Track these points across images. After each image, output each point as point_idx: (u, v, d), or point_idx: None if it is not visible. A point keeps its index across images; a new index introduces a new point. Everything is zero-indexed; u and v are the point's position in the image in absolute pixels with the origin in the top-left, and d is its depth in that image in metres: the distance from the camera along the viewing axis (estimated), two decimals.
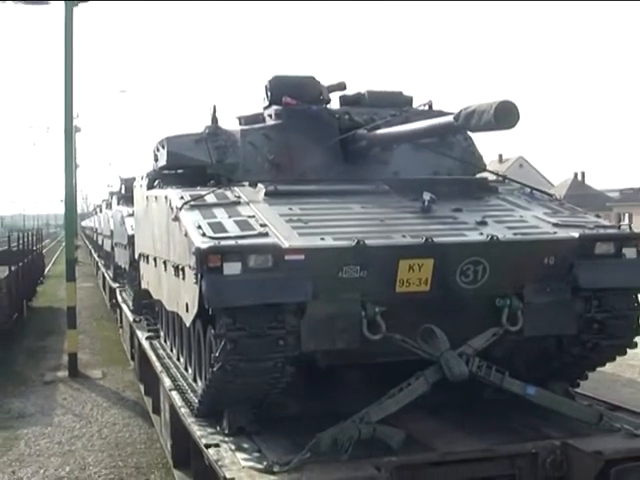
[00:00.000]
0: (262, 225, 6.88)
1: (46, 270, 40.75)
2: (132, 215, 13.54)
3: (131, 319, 13.94)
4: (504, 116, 6.27)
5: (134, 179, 11.71)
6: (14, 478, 9.61)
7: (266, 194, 7.69)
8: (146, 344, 11.40)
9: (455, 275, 6.81)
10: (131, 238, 13.55)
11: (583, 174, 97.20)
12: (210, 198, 7.66)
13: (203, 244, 6.46)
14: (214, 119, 9.13)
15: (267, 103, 9.28)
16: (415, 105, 9.40)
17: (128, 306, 15.49)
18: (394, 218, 7.22)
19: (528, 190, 8.61)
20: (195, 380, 8.38)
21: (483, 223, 7.18)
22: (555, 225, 7.28)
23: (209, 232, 6.70)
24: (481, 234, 6.94)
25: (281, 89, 9.12)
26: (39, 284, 33.60)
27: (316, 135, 8.73)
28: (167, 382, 9.00)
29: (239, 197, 7.68)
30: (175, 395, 8.40)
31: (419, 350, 6.81)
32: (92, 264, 41.38)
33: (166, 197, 8.16)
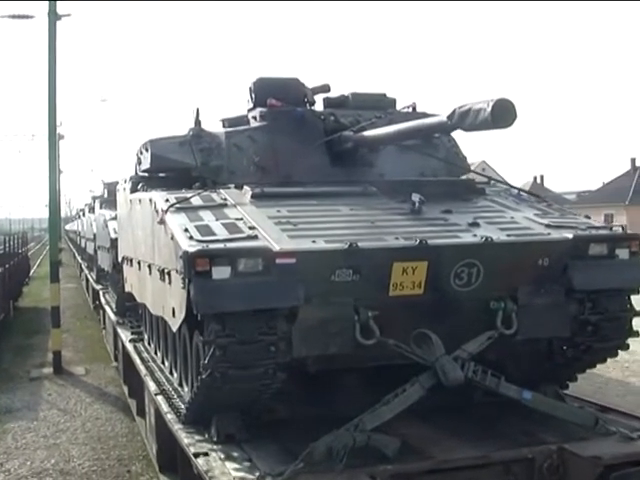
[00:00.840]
0: (250, 228, 6.31)
1: (31, 272, 40.14)
2: (115, 218, 12.93)
3: (114, 321, 13.28)
4: (501, 115, 5.74)
5: (117, 183, 11.08)
6: (2, 470, 9.45)
7: (253, 196, 7.12)
8: (130, 347, 10.77)
9: (449, 278, 6.28)
10: (114, 241, 12.90)
11: (542, 177, 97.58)
12: (196, 200, 7.08)
13: (190, 247, 5.88)
14: (197, 122, 8.53)
15: (251, 105, 8.69)
16: (399, 107, 8.90)
17: (111, 308, 14.82)
18: (384, 220, 6.67)
19: (515, 191, 8.10)
20: (181, 385, 7.78)
21: (475, 224, 6.65)
22: (547, 226, 6.76)
23: (196, 235, 6.12)
24: (474, 236, 6.41)
25: (265, 91, 8.55)
26: (25, 285, 32.97)
27: (301, 137, 8.16)
28: (152, 386, 8.39)
29: (225, 199, 7.11)
30: (161, 400, 7.80)
31: (413, 355, 6.26)
32: (75, 266, 40.58)
33: (151, 200, 7.56)
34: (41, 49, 15.52)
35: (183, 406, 7.15)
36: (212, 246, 5.90)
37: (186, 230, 6.26)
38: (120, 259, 10.89)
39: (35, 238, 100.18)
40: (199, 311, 5.80)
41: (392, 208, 7.01)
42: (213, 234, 6.18)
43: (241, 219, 6.53)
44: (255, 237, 6.12)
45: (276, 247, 5.91)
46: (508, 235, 6.47)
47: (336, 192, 7.31)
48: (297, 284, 5.87)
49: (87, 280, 26.02)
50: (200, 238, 6.07)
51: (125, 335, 11.59)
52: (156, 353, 9.51)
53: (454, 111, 6.12)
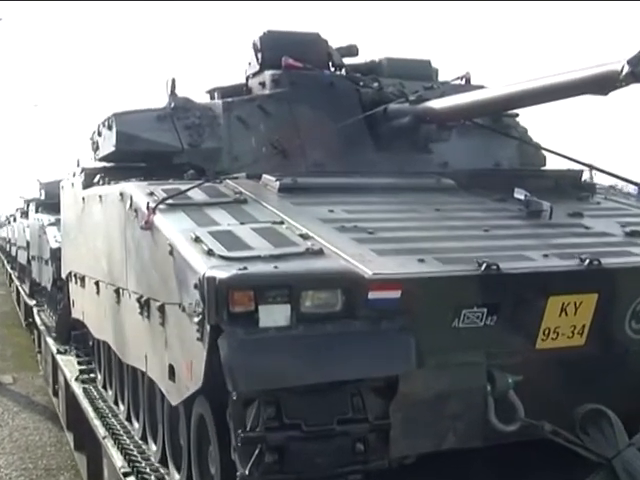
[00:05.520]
0: (303, 237, 3.61)
1: None
2: (56, 224, 10.09)
3: (54, 350, 10.24)
4: None
5: (59, 182, 8.20)
6: None
7: (281, 189, 4.43)
8: (78, 389, 7.81)
9: (623, 319, 3.70)
10: (55, 252, 9.95)
11: None
12: (197, 194, 4.35)
13: (219, 271, 3.16)
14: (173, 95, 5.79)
15: (256, 68, 5.95)
16: (445, 78, 6.32)
17: (49, 332, 11.73)
18: (499, 227, 4.06)
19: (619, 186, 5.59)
20: (164, 462, 5.00)
21: (636, 234, 4.08)
22: None
23: (219, 249, 3.42)
24: None
25: (278, 48, 5.83)
26: None
27: (333, 110, 5.50)
28: (118, 460, 5.51)
29: (240, 193, 4.39)
30: None
31: (580, 448, 3.60)
32: (4, 274, 36.93)
33: (122, 194, 4.80)
34: None
35: None
36: (255, 269, 3.19)
37: (197, 240, 3.55)
38: (64, 275, 7.99)
39: None
40: (239, 387, 3.07)
41: (493, 209, 4.44)
42: (247, 247, 3.48)
43: (281, 223, 3.83)
44: (320, 252, 3.43)
45: (367, 271, 3.22)
46: None
47: (402, 185, 4.71)
48: (404, 335, 3.20)
49: (18, 292, 22.71)
50: (226, 254, 3.37)
51: (69, 370, 8.62)
52: (117, 403, 6.65)
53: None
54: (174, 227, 3.85)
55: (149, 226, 4.09)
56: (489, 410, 3.49)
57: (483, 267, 3.32)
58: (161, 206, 4.14)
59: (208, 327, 3.20)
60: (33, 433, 10.33)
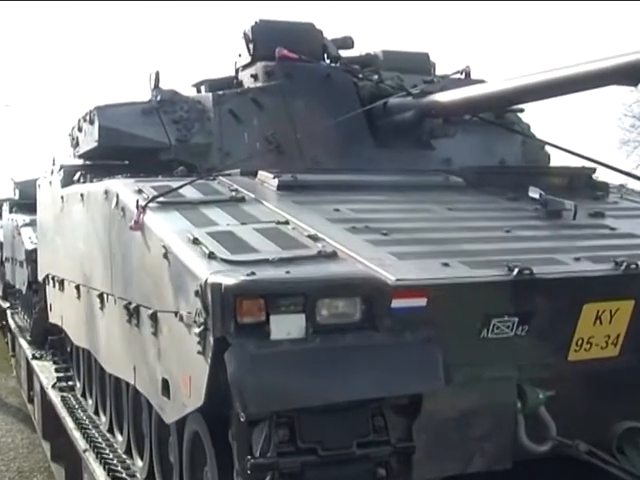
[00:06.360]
0: (312, 238, 3.26)
1: None
2: (32, 224, 9.69)
3: (29, 354, 9.77)
4: None
5: (34, 181, 7.78)
6: None
7: (280, 187, 4.09)
8: (55, 397, 7.38)
9: None
10: (31, 253, 9.50)
11: None
12: (190, 192, 3.99)
13: (223, 277, 2.80)
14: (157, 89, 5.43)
15: (248, 59, 5.58)
16: (443, 72, 6.02)
17: (23, 335, 11.25)
18: (520, 228, 3.74)
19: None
20: (151, 478, 4.62)
21: None
22: None
23: (221, 251, 3.06)
24: None
25: (271, 39, 5.47)
26: None
27: (330, 103, 5.16)
28: (101, 476, 5.11)
29: (236, 190, 4.03)
30: None
31: (616, 469, 3.28)
32: None
33: (107, 192, 4.43)
34: None
35: None
36: (265, 274, 2.83)
37: (196, 241, 3.19)
38: (41, 277, 7.56)
39: None
40: (249, 408, 2.70)
41: (509, 209, 4.14)
42: (252, 249, 3.12)
43: (286, 223, 3.47)
44: (334, 255, 3.07)
45: (390, 277, 2.87)
46: None
47: (408, 183, 4.39)
48: (431, 348, 2.85)
49: None
50: (230, 257, 3.01)
51: (46, 376, 8.17)
52: (97, 414, 6.25)
53: None
54: (168, 227, 3.49)
55: (139, 226, 3.72)
56: (519, 428, 3.16)
57: (515, 272, 2.99)
58: (152, 205, 3.77)
59: (211, 339, 2.84)
60: (5, 435, 10.07)
